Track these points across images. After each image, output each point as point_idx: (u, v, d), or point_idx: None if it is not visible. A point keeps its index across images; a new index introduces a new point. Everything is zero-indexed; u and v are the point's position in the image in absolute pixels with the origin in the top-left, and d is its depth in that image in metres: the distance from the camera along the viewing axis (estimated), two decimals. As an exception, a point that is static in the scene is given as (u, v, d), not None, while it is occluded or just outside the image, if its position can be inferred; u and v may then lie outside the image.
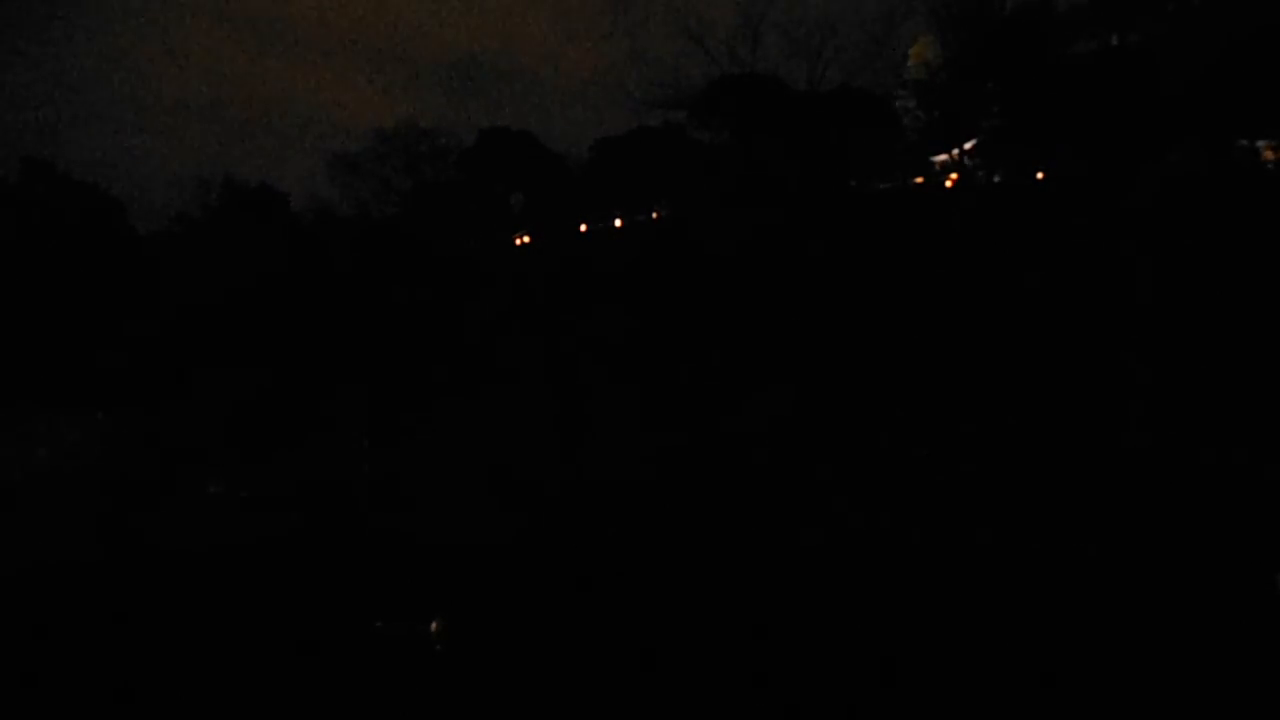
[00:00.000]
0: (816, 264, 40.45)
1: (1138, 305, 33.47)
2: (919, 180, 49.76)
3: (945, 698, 16.89)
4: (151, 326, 50.87)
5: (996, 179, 45.91)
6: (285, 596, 24.56)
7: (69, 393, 48.04)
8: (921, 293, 37.92)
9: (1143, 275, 33.91)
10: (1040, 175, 44.15)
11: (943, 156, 49.34)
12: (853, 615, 21.32)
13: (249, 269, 52.45)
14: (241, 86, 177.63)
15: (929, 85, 47.95)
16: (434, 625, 21.17)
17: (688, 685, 18.02)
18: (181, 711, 18.01)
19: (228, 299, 51.15)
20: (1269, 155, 40.68)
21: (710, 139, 51.64)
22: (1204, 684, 16.47)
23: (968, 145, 47.07)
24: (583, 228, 60.45)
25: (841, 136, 45.90)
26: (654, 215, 57.56)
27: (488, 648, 20.63)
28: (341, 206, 61.22)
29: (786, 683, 17.90)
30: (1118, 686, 16.86)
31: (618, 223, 59.19)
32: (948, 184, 48.70)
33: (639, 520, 30.48)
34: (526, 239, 62.89)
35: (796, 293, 39.99)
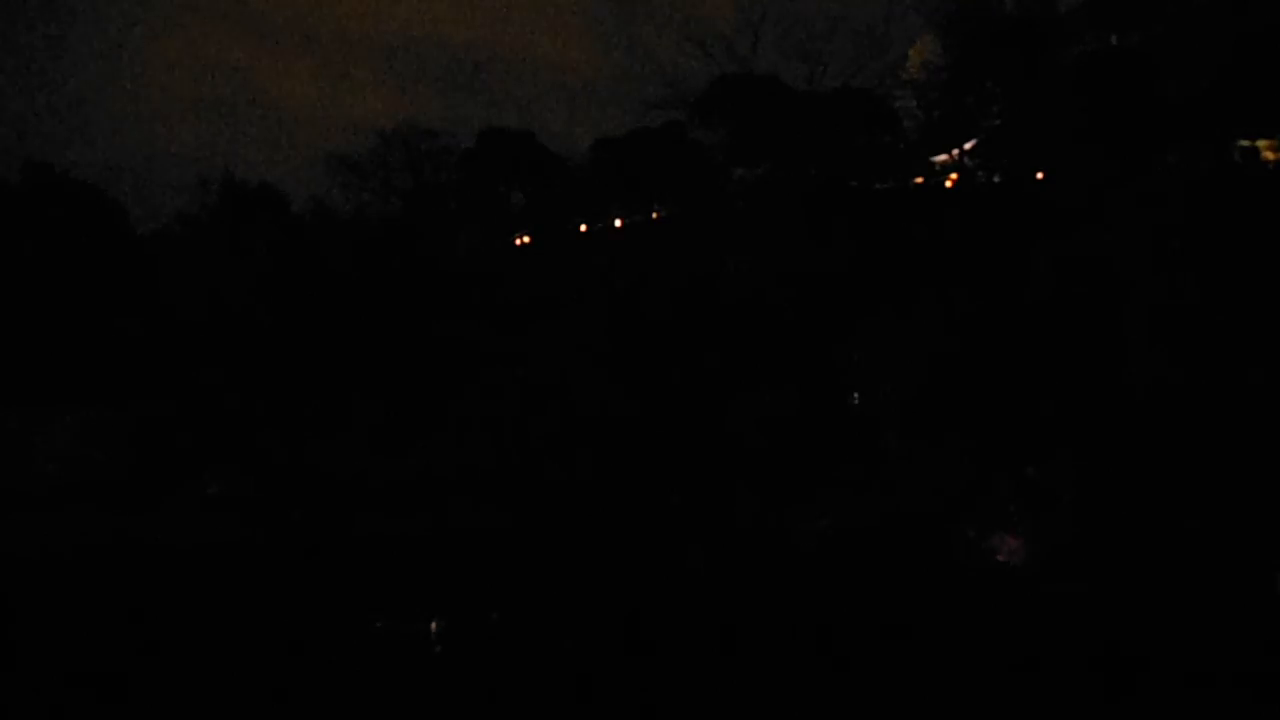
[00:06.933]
0: (816, 264, 40.43)
1: (1138, 305, 33.45)
2: (919, 180, 49.75)
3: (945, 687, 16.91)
4: (151, 326, 50.80)
5: (996, 179, 45.91)
6: (285, 596, 24.55)
7: (68, 392, 47.97)
8: (921, 292, 37.89)
9: (1143, 275, 33.90)
10: (1040, 175, 44.14)
11: (943, 156, 49.33)
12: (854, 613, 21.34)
13: (249, 269, 52.36)
14: (241, 86, 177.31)
15: (929, 85, 47.94)
16: (434, 625, 21.17)
17: (685, 683, 18.02)
18: (181, 711, 18.00)
19: (227, 298, 51.08)
20: (1269, 155, 40.69)
21: (710, 139, 51.67)
22: (1205, 682, 16.48)
23: (968, 145, 47.07)
24: (583, 228, 60.45)
25: (841, 136, 45.90)
26: (654, 215, 57.58)
27: (487, 648, 20.63)
28: (341, 206, 61.16)
29: (785, 680, 17.91)
30: (1118, 684, 16.88)
31: (618, 223, 59.20)
32: (948, 184, 48.71)
33: (638, 521, 30.48)
34: (526, 239, 62.88)
35: (796, 292, 39.98)
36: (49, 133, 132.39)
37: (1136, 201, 35.99)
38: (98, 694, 18.67)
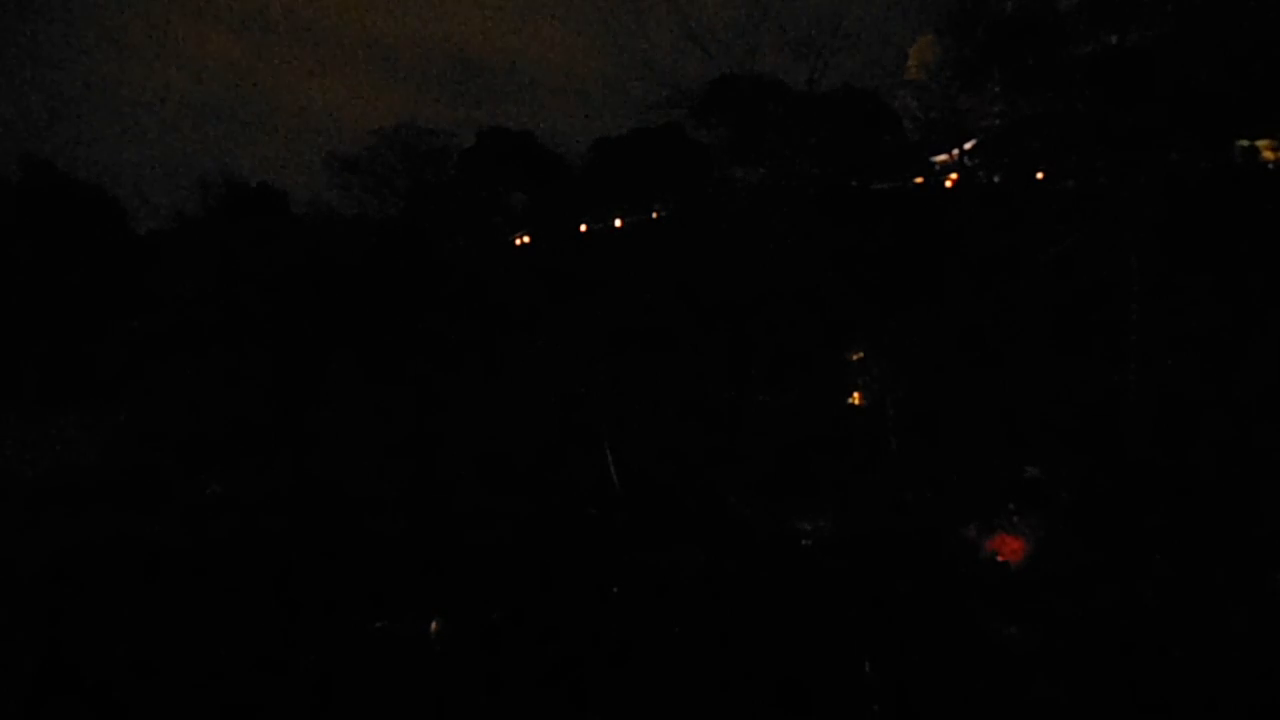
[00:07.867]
0: (816, 264, 40.43)
1: (1138, 305, 33.46)
2: (919, 180, 49.78)
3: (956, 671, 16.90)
4: (151, 326, 50.86)
5: (996, 179, 45.95)
6: (285, 596, 24.52)
7: (68, 392, 48.00)
8: (921, 293, 37.91)
9: (1143, 275, 33.91)
10: (1040, 175, 44.14)
11: (943, 156, 49.37)
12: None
13: (249, 268, 52.38)
14: (241, 86, 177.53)
15: (929, 85, 47.99)
16: (434, 625, 21.18)
17: (683, 682, 18.03)
18: (184, 709, 18.01)
19: (227, 298, 51.10)
20: (1269, 155, 40.68)
21: (710, 139, 51.68)
22: (1207, 680, 16.48)
23: (968, 145, 47.10)
24: (583, 228, 60.43)
25: (841, 136, 45.92)
26: (654, 215, 57.58)
27: (487, 648, 20.62)
28: (341, 206, 61.14)
29: (784, 678, 17.91)
30: (1124, 681, 16.87)
31: (618, 223, 59.19)
32: (948, 184, 48.73)
33: (638, 522, 30.47)
34: (526, 239, 62.84)
35: (796, 292, 39.98)
36: (49, 133, 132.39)
37: (1136, 201, 35.99)
38: (97, 692, 18.68)
